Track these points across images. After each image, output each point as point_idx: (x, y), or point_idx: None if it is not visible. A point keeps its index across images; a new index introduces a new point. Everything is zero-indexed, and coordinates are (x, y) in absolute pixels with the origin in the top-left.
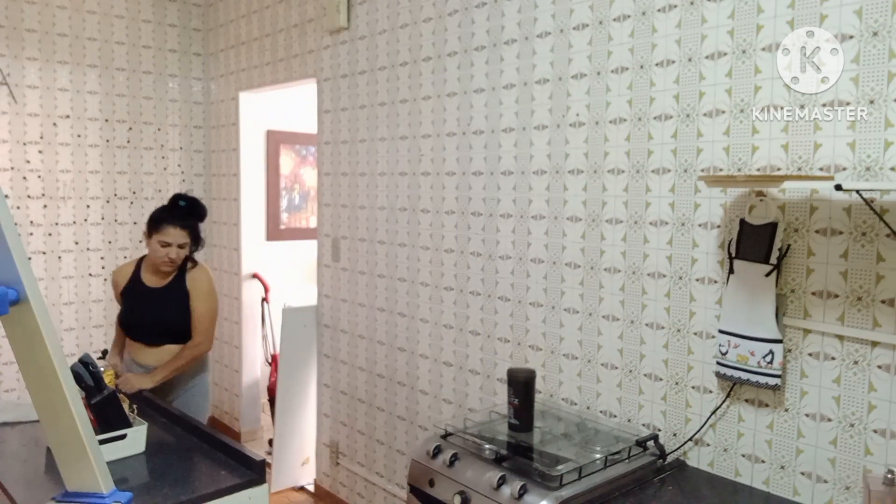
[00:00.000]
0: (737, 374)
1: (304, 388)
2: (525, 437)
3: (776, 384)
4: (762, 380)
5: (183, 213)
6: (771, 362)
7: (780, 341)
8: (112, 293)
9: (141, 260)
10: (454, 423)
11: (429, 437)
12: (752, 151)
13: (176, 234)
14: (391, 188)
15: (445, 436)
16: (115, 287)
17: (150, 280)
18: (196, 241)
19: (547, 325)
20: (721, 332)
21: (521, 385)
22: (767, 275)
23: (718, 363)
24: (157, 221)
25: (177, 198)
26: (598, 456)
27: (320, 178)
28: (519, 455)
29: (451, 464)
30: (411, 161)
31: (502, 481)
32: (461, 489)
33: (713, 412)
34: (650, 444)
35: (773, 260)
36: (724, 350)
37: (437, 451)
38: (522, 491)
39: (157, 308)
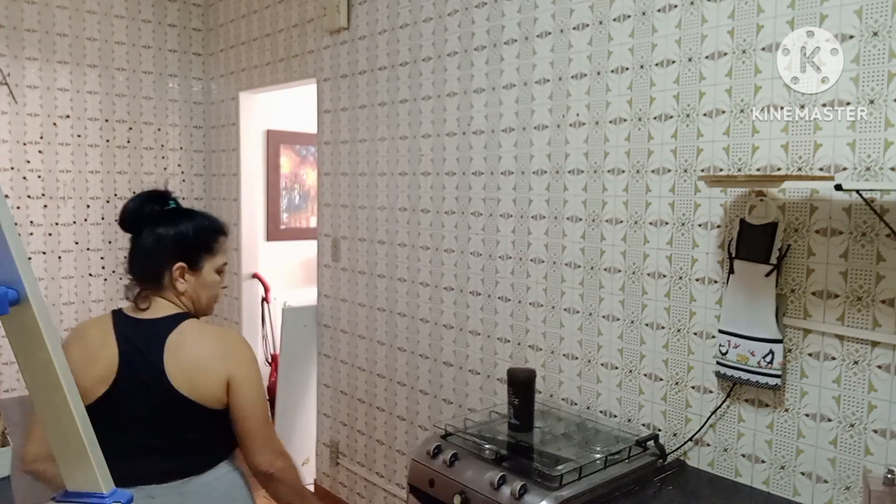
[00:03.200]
0: (737, 374)
1: (304, 388)
2: (525, 437)
3: (776, 384)
4: (762, 380)
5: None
6: (771, 362)
7: (780, 341)
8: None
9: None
10: (454, 423)
11: (429, 437)
12: (752, 151)
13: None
14: (391, 188)
15: (445, 436)
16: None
17: None
18: None
19: (547, 325)
20: (721, 332)
21: (521, 385)
22: (767, 275)
23: (718, 363)
24: (213, 235)
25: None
26: (598, 456)
27: (320, 178)
28: (519, 455)
29: (451, 464)
30: (411, 161)
31: (502, 481)
32: (461, 489)
33: (713, 412)
34: (650, 444)
35: (773, 260)
36: (724, 350)
37: (437, 451)
38: (522, 491)
39: None
